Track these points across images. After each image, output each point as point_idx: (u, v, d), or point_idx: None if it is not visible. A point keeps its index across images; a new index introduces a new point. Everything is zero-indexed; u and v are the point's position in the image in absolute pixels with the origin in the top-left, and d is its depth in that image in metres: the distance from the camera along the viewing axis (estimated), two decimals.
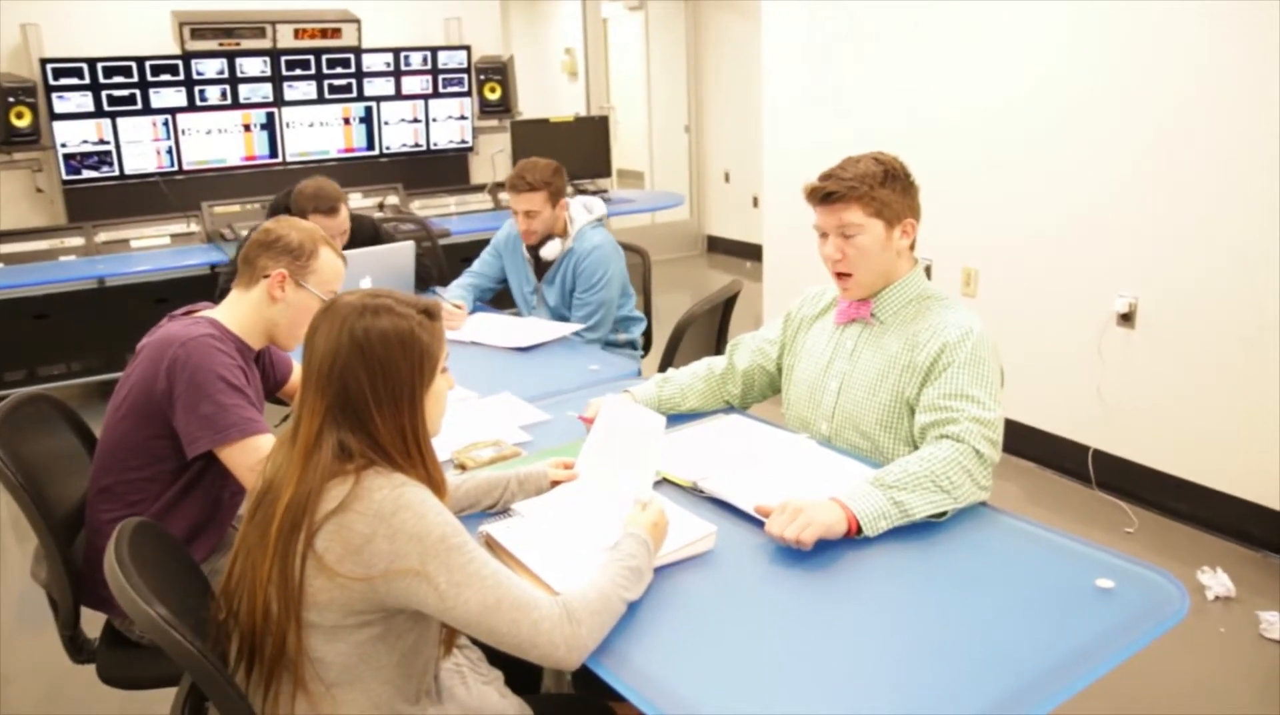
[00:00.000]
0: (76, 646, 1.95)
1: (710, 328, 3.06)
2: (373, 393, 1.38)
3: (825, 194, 1.93)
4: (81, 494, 2.01)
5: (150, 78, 5.36)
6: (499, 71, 6.42)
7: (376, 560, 1.31)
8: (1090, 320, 3.65)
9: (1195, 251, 3.30)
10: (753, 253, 7.06)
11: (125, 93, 5.31)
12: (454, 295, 3.40)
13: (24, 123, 4.98)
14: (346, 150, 6.06)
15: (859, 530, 1.63)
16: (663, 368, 2.64)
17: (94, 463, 1.98)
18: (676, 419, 2.21)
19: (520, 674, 1.69)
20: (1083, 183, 3.63)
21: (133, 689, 1.97)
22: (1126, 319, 3.53)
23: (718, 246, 8.49)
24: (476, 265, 3.55)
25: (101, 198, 5.35)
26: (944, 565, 1.59)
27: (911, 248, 2.01)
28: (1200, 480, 3.39)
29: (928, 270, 2.00)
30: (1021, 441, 3.91)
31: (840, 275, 2.00)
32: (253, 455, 1.84)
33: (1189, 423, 3.40)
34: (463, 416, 2.25)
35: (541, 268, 3.38)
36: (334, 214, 3.37)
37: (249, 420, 1.87)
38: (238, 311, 2.02)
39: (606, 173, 6.51)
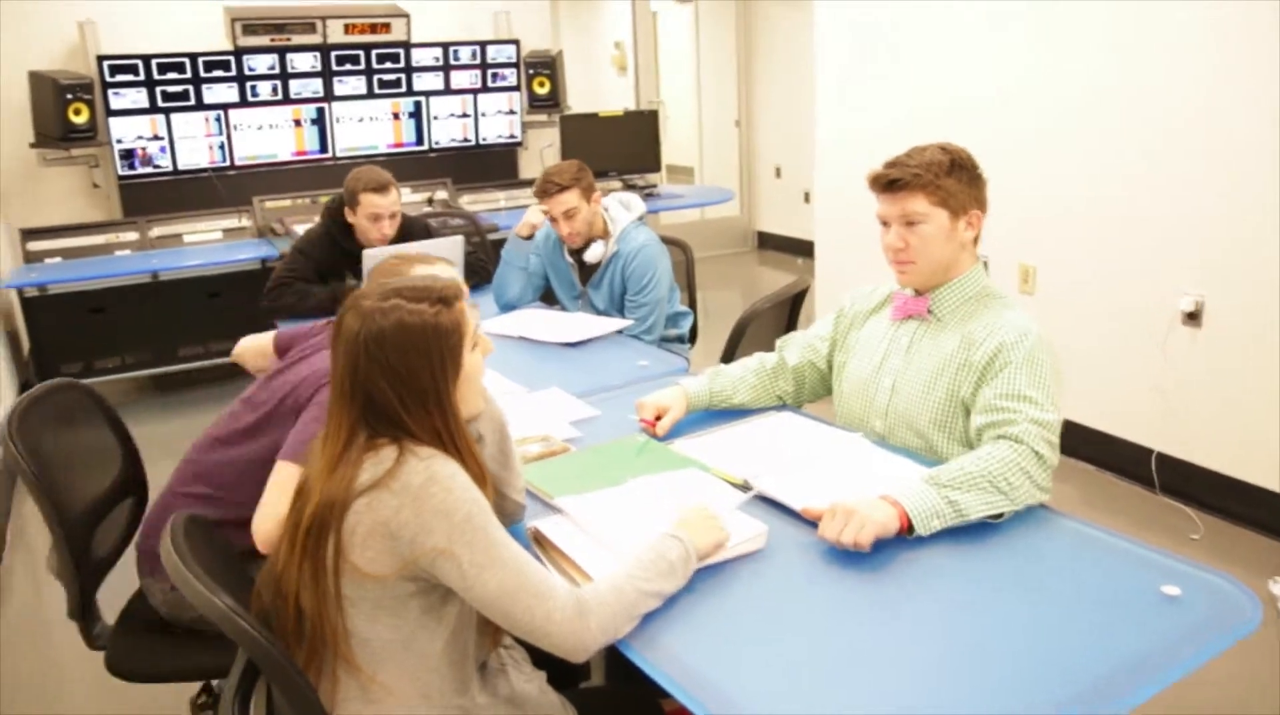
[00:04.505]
0: (91, 636, 1.99)
1: (776, 326, 3.02)
2: (399, 399, 1.40)
3: (890, 182, 1.92)
4: (104, 488, 2.06)
5: (203, 74, 5.46)
6: (548, 66, 6.44)
7: (402, 531, 1.33)
8: (1154, 319, 3.57)
9: (1266, 248, 3.21)
10: (804, 249, 7.01)
11: (179, 89, 5.42)
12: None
13: (82, 119, 5.09)
14: (395, 145, 6.13)
15: (910, 528, 1.61)
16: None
17: (205, 453, 2.02)
18: (728, 415, 2.21)
19: (562, 673, 1.70)
20: (1147, 175, 3.56)
21: (145, 682, 1.98)
22: (1193, 318, 3.45)
23: (768, 243, 8.45)
24: (523, 278, 3.53)
25: (155, 193, 5.47)
26: (1001, 568, 1.57)
27: (975, 242, 1.99)
28: (1270, 485, 3.30)
29: (984, 267, 1.99)
30: (1081, 443, 3.84)
31: (900, 263, 1.98)
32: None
33: (1258, 425, 3.31)
34: (511, 411, 2.25)
35: (585, 272, 3.38)
36: (384, 192, 3.43)
37: None
38: None
39: (656, 168, 6.51)
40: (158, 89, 5.36)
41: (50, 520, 1.87)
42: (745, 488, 1.82)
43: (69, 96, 5.05)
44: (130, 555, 2.11)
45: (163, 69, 5.34)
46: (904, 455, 1.95)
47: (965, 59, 4.25)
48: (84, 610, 1.95)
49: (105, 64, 5.19)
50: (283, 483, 1.78)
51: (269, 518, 1.76)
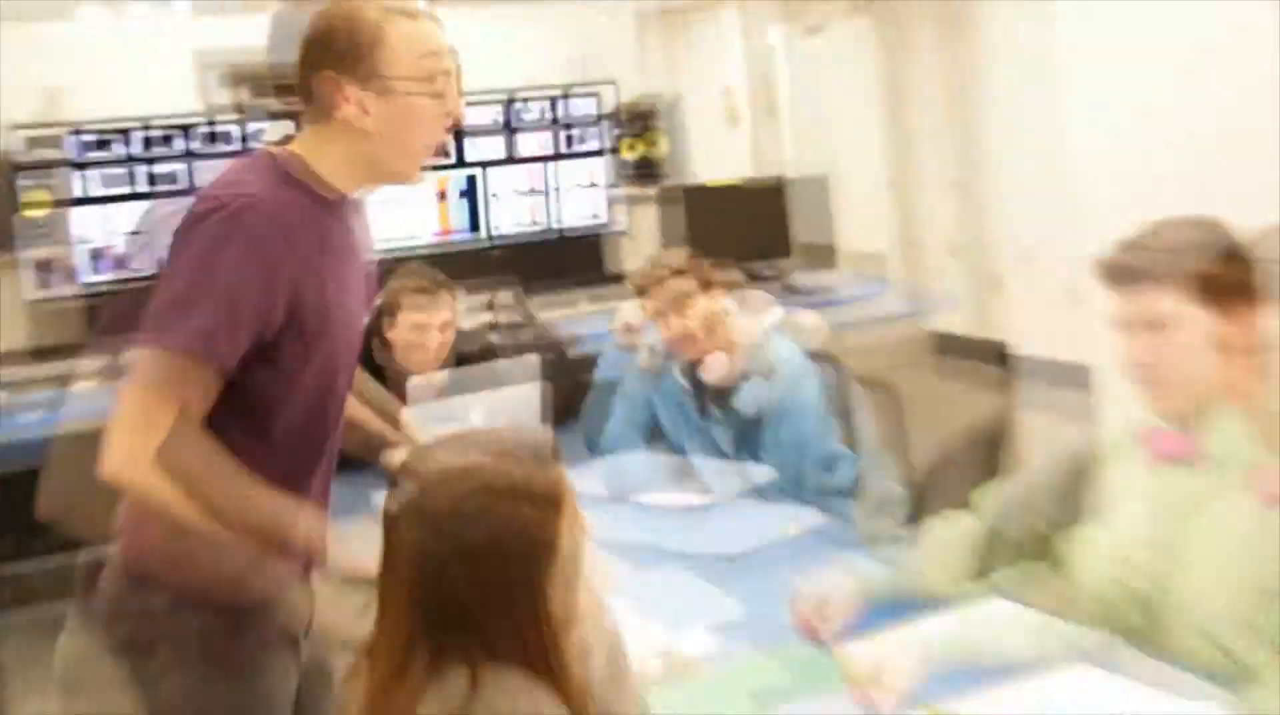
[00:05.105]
0: None
1: (974, 472, 2.96)
2: (479, 609, 1.40)
3: (1125, 272, 1.90)
4: None
5: (194, 148, 5.65)
6: (643, 122, 6.53)
7: None
8: None
9: None
10: (998, 355, 6.90)
11: (165, 168, 5.62)
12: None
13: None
14: (443, 233, 6.15)
15: None
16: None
17: None
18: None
19: None
20: None
21: None
22: None
23: (949, 347, 8.26)
24: (622, 410, 3.53)
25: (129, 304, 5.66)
26: None
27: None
28: None
29: None
30: None
31: (1146, 382, 1.94)
32: (154, 383, 1.83)
33: None
34: (619, 608, 2.20)
35: (703, 398, 3.36)
36: (432, 296, 3.51)
37: (195, 333, 1.81)
38: (319, 147, 1.95)
39: (785, 252, 6.43)
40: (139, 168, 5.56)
41: None
42: None
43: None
44: None
45: (148, 143, 5.56)
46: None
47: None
48: None
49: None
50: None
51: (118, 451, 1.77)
